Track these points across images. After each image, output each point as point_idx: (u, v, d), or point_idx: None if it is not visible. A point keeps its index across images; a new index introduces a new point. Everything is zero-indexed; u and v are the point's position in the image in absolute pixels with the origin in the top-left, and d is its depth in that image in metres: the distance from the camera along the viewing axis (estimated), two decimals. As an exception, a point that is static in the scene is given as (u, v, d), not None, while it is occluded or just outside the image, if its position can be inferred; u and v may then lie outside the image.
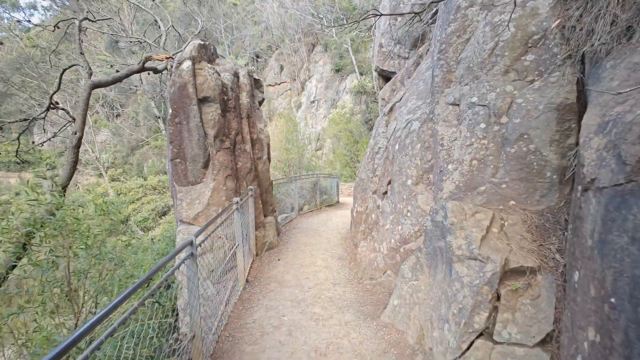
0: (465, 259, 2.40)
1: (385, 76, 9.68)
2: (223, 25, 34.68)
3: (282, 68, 36.38)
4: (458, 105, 3.74)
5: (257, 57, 38.74)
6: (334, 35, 24.51)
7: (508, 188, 3.06)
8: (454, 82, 3.89)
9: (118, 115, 36.62)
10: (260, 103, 6.99)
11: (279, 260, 5.53)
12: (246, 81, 5.86)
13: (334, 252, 6.01)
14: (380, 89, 9.88)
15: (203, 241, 2.94)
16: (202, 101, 4.76)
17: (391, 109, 6.30)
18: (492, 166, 3.21)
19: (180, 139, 4.78)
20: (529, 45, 3.31)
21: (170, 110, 4.74)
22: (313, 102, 28.83)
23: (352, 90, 15.14)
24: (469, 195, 3.29)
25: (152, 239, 9.49)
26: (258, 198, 5.74)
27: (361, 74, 22.41)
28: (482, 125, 3.38)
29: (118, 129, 32.79)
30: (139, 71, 5.98)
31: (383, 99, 9.67)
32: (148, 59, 5.81)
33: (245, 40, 34.50)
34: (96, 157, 28.79)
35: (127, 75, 5.78)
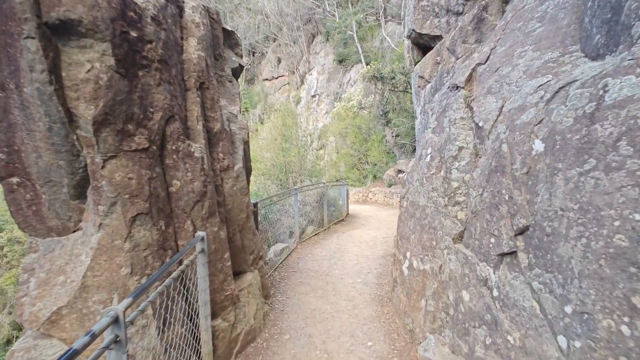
0: None
1: (424, 44, 6.81)
2: (215, 14, 31.69)
3: (279, 61, 33.43)
4: None
5: (254, 51, 35.81)
6: (337, 19, 21.63)
7: None
8: None
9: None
10: (237, 73, 4.15)
11: (262, 381, 2.69)
12: (199, 20, 3.00)
13: (370, 346, 3.16)
14: (415, 63, 7.04)
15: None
16: (58, 32, 1.89)
17: (469, 78, 3.46)
18: None
19: (8, 126, 1.93)
20: None
21: (-23, 56, 1.88)
22: (314, 96, 26.02)
23: (365, 76, 12.26)
24: None
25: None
26: (222, 248, 2.89)
27: (367, 64, 19.55)
28: None
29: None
30: None
31: (422, 77, 6.80)
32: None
33: (238, 29, 31.59)
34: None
35: None
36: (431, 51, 6.33)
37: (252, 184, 10.72)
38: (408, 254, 3.38)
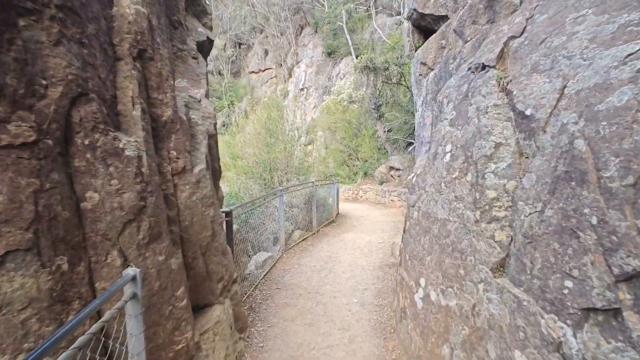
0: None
1: (426, 27, 6.06)
2: (198, 2, 30.16)
3: (266, 53, 32.24)
4: None
5: (240, 42, 34.44)
6: (327, 8, 20.70)
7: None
8: None
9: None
10: (205, 49, 3.29)
11: None
12: (141, -37, 2.13)
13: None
14: (416, 49, 6.31)
15: None
16: None
17: (501, 56, 2.72)
18: None
19: None
20: None
21: None
22: (302, 89, 25.11)
23: (357, 66, 11.46)
24: None
25: None
26: (174, 284, 2.07)
27: (357, 57, 18.75)
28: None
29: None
30: None
31: (424, 64, 6.05)
32: None
33: (222, 18, 30.23)
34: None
35: None
36: (435, 34, 5.59)
37: (232, 184, 9.77)
38: (422, 281, 2.64)
